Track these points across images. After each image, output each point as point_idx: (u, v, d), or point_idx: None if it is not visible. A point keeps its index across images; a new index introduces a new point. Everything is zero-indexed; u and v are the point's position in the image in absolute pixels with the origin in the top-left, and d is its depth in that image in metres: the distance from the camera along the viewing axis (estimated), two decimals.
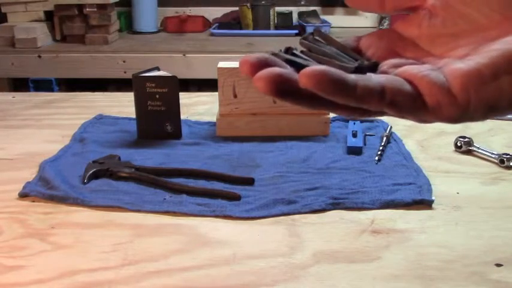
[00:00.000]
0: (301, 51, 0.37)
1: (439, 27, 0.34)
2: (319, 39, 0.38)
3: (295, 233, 0.63)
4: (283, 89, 0.29)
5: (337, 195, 0.71)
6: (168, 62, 2.24)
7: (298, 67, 0.32)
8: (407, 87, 0.30)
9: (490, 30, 0.32)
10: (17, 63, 2.31)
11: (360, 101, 0.29)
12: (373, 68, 0.35)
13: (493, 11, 0.32)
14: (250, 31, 2.65)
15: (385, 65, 0.35)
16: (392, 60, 0.35)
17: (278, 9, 2.73)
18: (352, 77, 0.28)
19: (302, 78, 0.27)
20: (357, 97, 0.28)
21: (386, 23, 2.74)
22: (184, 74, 2.18)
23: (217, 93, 0.94)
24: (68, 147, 0.89)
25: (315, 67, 0.27)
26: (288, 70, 0.30)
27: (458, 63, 0.30)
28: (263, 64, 0.30)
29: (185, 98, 1.13)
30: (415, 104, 0.30)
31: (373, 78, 0.29)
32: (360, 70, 0.32)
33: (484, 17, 0.32)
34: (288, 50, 0.36)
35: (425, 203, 0.69)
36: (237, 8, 2.72)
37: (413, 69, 0.31)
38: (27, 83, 2.38)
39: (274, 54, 0.34)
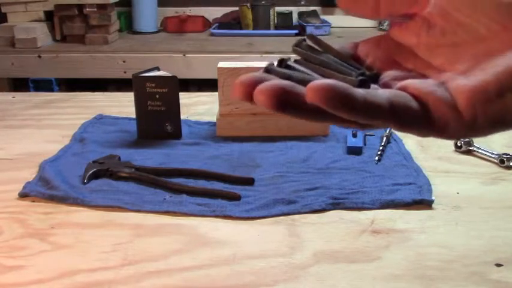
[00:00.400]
0: (295, 61, 0.35)
1: (438, 37, 0.34)
2: (314, 45, 0.37)
3: (295, 233, 0.63)
4: (286, 102, 0.28)
5: (337, 195, 0.71)
6: (168, 62, 2.24)
7: (296, 81, 0.31)
8: (413, 103, 0.29)
9: (490, 40, 0.31)
10: (17, 63, 2.31)
11: (367, 117, 0.28)
12: (375, 79, 0.34)
13: (493, 21, 0.31)
14: (250, 31, 2.65)
15: (386, 76, 0.34)
16: (393, 72, 0.34)
17: (278, 9, 2.73)
18: (360, 91, 0.27)
19: (309, 93, 0.26)
20: (365, 113, 0.27)
21: (386, 23, 2.74)
22: (184, 74, 2.18)
23: (217, 93, 0.94)
24: (68, 147, 0.89)
25: (322, 81, 0.26)
26: (289, 83, 0.29)
27: (462, 80, 0.30)
28: (256, 85, 0.29)
29: (185, 98, 1.13)
30: (421, 121, 0.29)
31: (380, 94, 0.29)
32: (363, 83, 0.31)
33: (483, 27, 0.31)
34: (282, 63, 0.34)
35: (425, 203, 0.69)
36: (237, 8, 2.72)
37: (418, 84, 0.30)
38: (27, 83, 2.38)
39: (267, 70, 0.33)
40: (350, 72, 0.34)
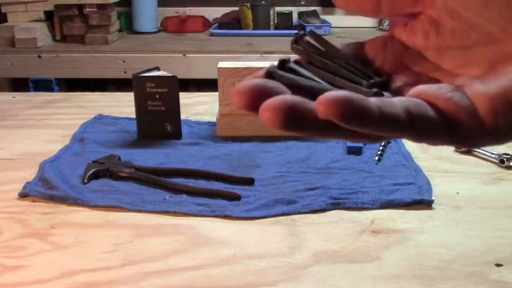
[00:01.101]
0: (296, 62, 0.32)
1: (448, 39, 0.31)
2: (314, 43, 0.33)
3: (295, 233, 0.63)
4: (295, 120, 0.25)
5: (337, 195, 0.71)
6: (168, 62, 2.24)
7: (303, 89, 0.29)
8: (431, 112, 0.27)
9: (504, 42, 0.29)
10: (17, 63, 2.31)
11: (383, 130, 0.26)
12: (386, 84, 0.32)
13: (507, 21, 0.29)
14: (250, 31, 2.65)
15: (397, 81, 0.33)
16: (403, 77, 0.33)
17: (278, 9, 2.73)
18: (375, 102, 0.25)
19: (320, 107, 0.24)
20: (381, 126, 0.25)
21: (386, 23, 2.74)
22: (184, 74, 2.18)
23: (217, 93, 0.94)
24: (68, 147, 0.89)
25: (334, 94, 0.24)
26: (298, 98, 0.26)
27: (479, 85, 0.28)
28: (259, 93, 0.26)
29: (185, 98, 1.13)
30: (440, 130, 0.28)
31: (396, 103, 0.27)
32: (377, 95, 0.29)
33: (496, 28, 0.29)
34: (284, 64, 0.31)
35: (425, 203, 0.69)
36: (237, 8, 2.72)
37: (434, 90, 0.28)
38: (27, 83, 2.38)
39: (269, 74, 0.30)
40: (359, 79, 0.31)
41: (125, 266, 0.57)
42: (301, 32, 0.35)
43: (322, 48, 0.34)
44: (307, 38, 0.34)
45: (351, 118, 0.24)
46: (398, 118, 0.26)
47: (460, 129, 0.28)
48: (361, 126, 0.25)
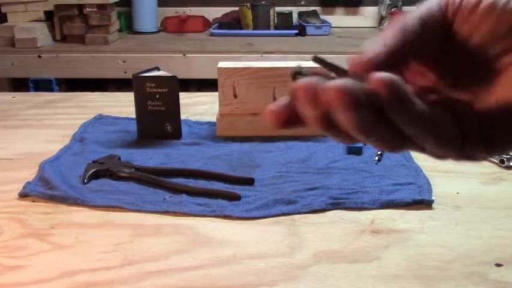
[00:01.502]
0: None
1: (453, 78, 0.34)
2: (316, 70, 0.32)
3: (295, 233, 0.63)
4: (356, 99, 0.28)
5: (337, 195, 0.71)
6: (168, 62, 2.23)
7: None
8: (451, 123, 0.30)
9: (503, 57, 0.31)
10: (17, 63, 2.31)
11: (417, 122, 0.28)
12: None
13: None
14: (250, 31, 2.65)
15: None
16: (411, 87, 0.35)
17: (278, 9, 2.73)
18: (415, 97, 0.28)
19: (373, 82, 0.27)
20: (416, 118, 0.28)
21: (386, 23, 2.74)
22: (184, 74, 2.17)
23: (217, 93, 0.94)
24: (68, 147, 0.89)
25: (387, 74, 0.27)
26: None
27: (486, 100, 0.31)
28: (287, 111, 0.32)
29: (185, 98, 1.13)
30: (456, 142, 0.30)
31: (423, 104, 0.29)
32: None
33: (500, 49, 0.31)
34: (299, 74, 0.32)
35: (425, 203, 0.69)
36: (237, 8, 2.72)
37: (446, 104, 0.31)
38: (27, 83, 2.38)
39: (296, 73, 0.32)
40: None
41: (124, 266, 0.57)
42: (299, 66, 0.33)
43: (327, 71, 0.33)
44: (314, 61, 0.33)
45: (397, 98, 0.27)
46: (426, 114, 0.29)
47: (471, 147, 0.30)
48: (400, 110, 0.28)
